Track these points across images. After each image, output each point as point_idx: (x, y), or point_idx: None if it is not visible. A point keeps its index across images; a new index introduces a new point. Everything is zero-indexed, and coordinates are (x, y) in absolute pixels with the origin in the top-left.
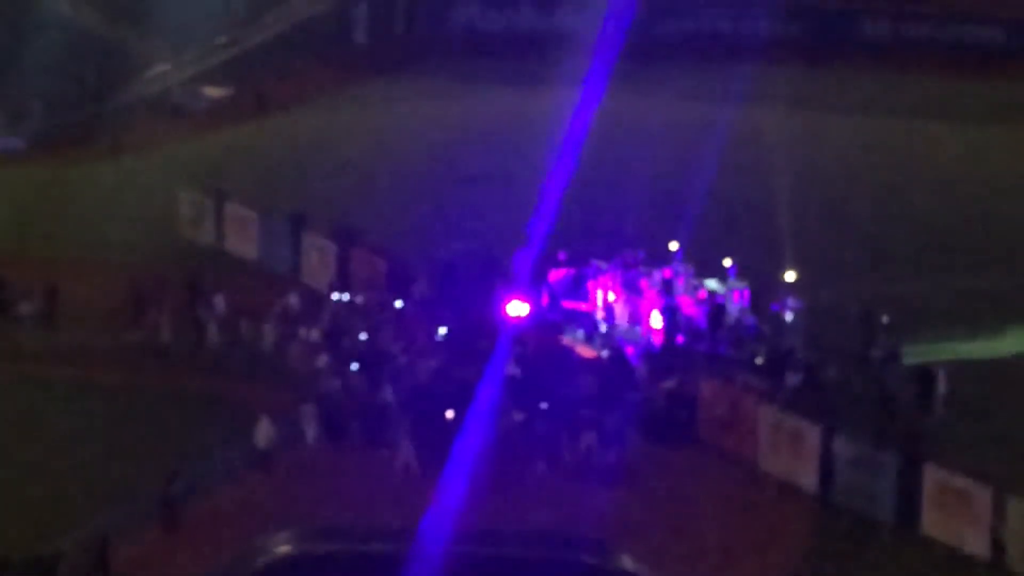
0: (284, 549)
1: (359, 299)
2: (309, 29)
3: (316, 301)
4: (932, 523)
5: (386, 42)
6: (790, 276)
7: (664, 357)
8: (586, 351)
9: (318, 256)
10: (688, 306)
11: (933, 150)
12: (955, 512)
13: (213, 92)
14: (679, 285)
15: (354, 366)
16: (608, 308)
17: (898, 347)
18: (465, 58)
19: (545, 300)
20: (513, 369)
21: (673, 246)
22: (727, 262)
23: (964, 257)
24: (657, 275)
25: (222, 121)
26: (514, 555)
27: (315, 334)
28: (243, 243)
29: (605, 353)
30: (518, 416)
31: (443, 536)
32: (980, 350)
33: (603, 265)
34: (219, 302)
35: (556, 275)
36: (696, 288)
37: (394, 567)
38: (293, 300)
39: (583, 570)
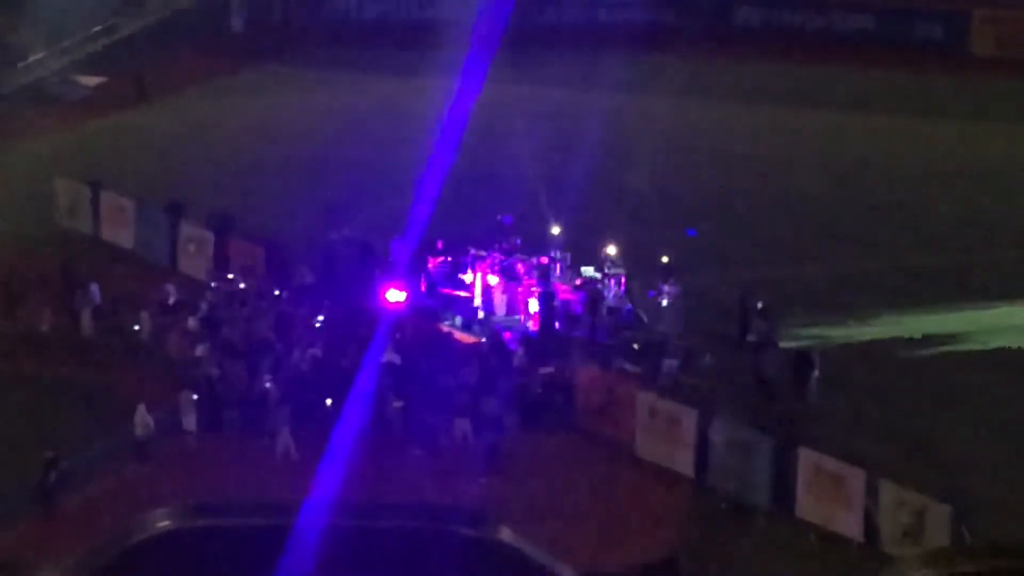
0: (163, 525)
1: (237, 287)
2: (186, 17)
3: (194, 290)
4: (807, 506)
5: (264, 30)
6: (665, 261)
7: (541, 343)
8: (464, 338)
9: (195, 245)
10: (565, 293)
11: (811, 136)
12: (829, 495)
13: (89, 81)
14: (556, 272)
15: (232, 354)
16: (486, 295)
17: (774, 332)
18: (343, 47)
19: (423, 287)
20: (391, 356)
21: (554, 231)
22: (606, 249)
23: (841, 242)
24: (534, 262)
25: (99, 110)
26: (393, 527)
27: (193, 323)
28: (120, 232)
29: (483, 340)
30: (396, 403)
31: (322, 509)
32: (854, 334)
33: (481, 252)
34: (95, 291)
35: (434, 262)
36: (573, 275)
37: (273, 540)
38: (170, 289)
39: (461, 542)
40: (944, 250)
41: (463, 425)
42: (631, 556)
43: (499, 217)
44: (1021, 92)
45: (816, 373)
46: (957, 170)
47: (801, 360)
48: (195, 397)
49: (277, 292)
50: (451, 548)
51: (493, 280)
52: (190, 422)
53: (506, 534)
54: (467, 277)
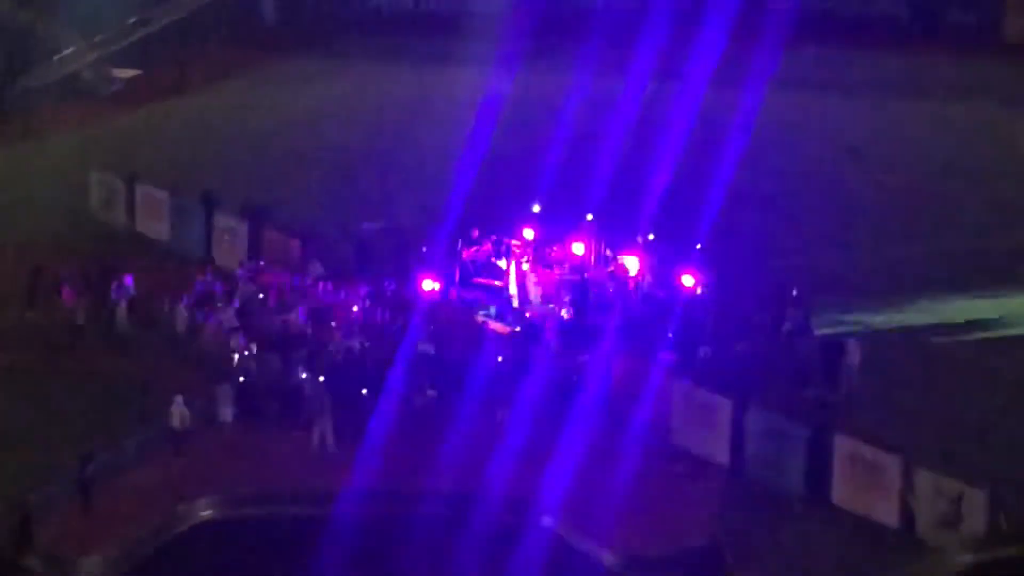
0: (205, 514)
1: (271, 278)
2: (218, 10)
3: (229, 281)
4: (843, 494)
5: (296, 21)
6: (701, 248)
7: (576, 332)
8: (499, 327)
9: (230, 236)
10: (600, 281)
11: (847, 123)
12: (865, 482)
13: (123, 74)
14: (591, 260)
15: (267, 346)
16: (520, 284)
17: (808, 319)
18: (374, 37)
19: (457, 277)
20: (426, 346)
21: (587, 220)
22: (640, 237)
23: (876, 229)
24: (569, 251)
25: (133, 103)
26: (432, 515)
27: (227, 314)
28: (154, 224)
29: (517, 329)
30: (432, 393)
31: (360, 498)
32: (891, 321)
33: (515, 242)
34: (129, 284)
35: (468, 252)
36: (608, 263)
37: (315, 529)
38: (206, 280)
39: (500, 529)
40: (979, 236)
41: (501, 414)
42: (669, 543)
43: (533, 206)
44: None
45: (852, 361)
46: (993, 156)
47: (836, 348)
48: (231, 389)
49: (312, 282)
50: (493, 535)
51: (527, 269)
52: (227, 414)
53: (548, 521)
54: (501, 264)
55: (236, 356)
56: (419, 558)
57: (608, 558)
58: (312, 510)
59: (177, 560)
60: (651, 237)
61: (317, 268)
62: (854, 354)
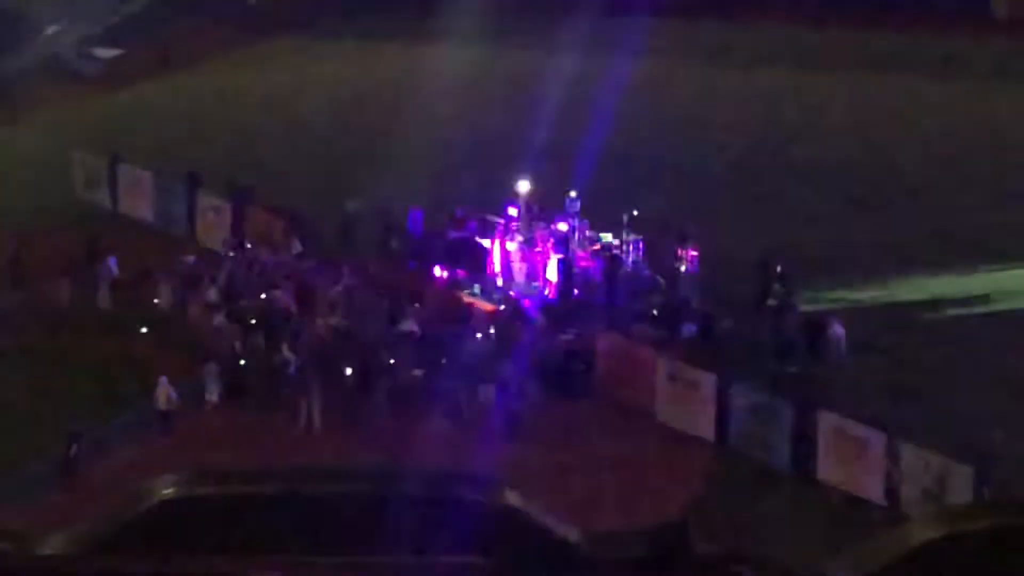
0: (168, 492)
1: (256, 258)
2: None
3: (213, 261)
4: (828, 469)
5: (279, 1)
6: (683, 226)
7: (561, 310)
8: (483, 306)
9: (214, 216)
10: (584, 259)
11: (829, 100)
12: (850, 458)
13: (106, 53)
14: (575, 238)
15: (251, 325)
16: (505, 263)
17: (793, 296)
18: (359, 16)
19: (442, 256)
20: (411, 325)
21: (571, 197)
22: (624, 216)
23: (860, 205)
24: (553, 229)
25: (116, 83)
26: (396, 493)
27: (212, 294)
28: (138, 204)
29: (502, 307)
30: (416, 372)
31: (331, 476)
32: (876, 297)
33: (499, 220)
34: (113, 264)
35: (453, 231)
36: (592, 241)
37: (283, 507)
38: (190, 260)
39: (466, 506)
40: (965, 212)
41: (486, 392)
42: (651, 520)
43: (516, 185)
44: None
45: (836, 337)
46: (977, 132)
47: (820, 324)
48: (217, 369)
49: (296, 261)
50: (455, 512)
51: (512, 247)
52: (213, 394)
53: (512, 498)
54: (486, 244)
55: (221, 336)
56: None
57: (572, 534)
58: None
59: (144, 536)
60: (635, 213)
61: (296, 246)
62: (839, 330)
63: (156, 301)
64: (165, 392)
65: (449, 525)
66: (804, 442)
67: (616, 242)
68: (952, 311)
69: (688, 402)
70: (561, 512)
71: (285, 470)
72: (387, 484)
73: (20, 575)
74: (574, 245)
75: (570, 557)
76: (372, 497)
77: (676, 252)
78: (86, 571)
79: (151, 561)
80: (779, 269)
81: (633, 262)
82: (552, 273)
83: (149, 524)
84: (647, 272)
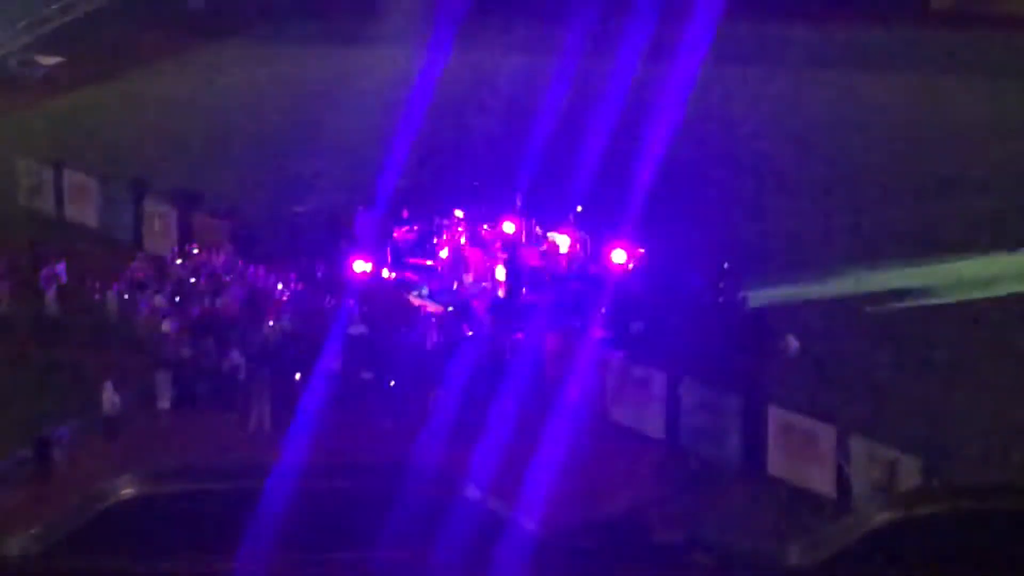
0: (127, 491)
1: (202, 263)
2: None
3: (159, 267)
4: (778, 464)
5: (220, 6)
6: (632, 225)
7: (509, 310)
8: (432, 307)
9: (160, 222)
10: (532, 258)
11: (771, 94)
12: (800, 452)
13: (48, 60)
14: (522, 238)
15: (200, 330)
16: (453, 263)
17: (739, 291)
18: (303, 19)
19: (389, 258)
20: (359, 327)
21: (517, 198)
22: (571, 214)
23: (804, 199)
24: (500, 229)
25: (58, 89)
26: (358, 487)
27: (159, 299)
28: (83, 211)
29: (451, 308)
30: (366, 374)
31: (284, 472)
32: (824, 291)
33: (446, 221)
34: (61, 270)
35: (400, 232)
36: (539, 240)
37: (243, 503)
38: (136, 266)
39: (427, 500)
40: (909, 204)
41: (433, 394)
42: (598, 514)
43: (472, 183)
44: (979, 46)
45: (794, 350)
46: (920, 124)
47: (768, 319)
48: (168, 376)
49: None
50: (417, 506)
51: (459, 248)
52: (165, 400)
53: (471, 492)
54: (434, 245)
55: (169, 341)
56: (346, 531)
57: (532, 525)
58: (237, 484)
59: (102, 535)
60: (579, 209)
61: (228, 249)
62: (794, 344)
63: (103, 306)
64: (110, 397)
65: (411, 518)
66: (754, 437)
67: (564, 241)
68: (901, 304)
69: (638, 399)
70: (518, 505)
71: (238, 467)
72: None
73: None
74: (522, 244)
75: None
76: (330, 491)
77: (625, 250)
78: (49, 570)
79: (113, 559)
80: (726, 265)
81: (580, 261)
82: (500, 273)
83: (110, 522)
84: (594, 271)
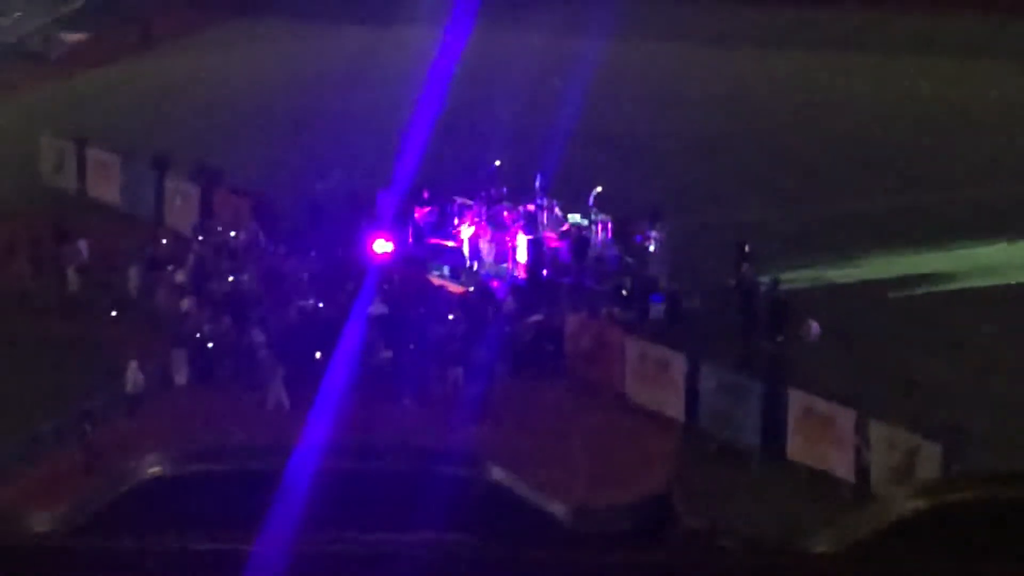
0: (154, 471)
1: (224, 241)
2: None
3: (181, 244)
4: (797, 448)
5: None
6: (653, 206)
7: (530, 291)
8: (453, 287)
9: (182, 199)
10: (552, 240)
11: (794, 80)
12: (819, 436)
13: (71, 37)
14: (543, 219)
15: (220, 308)
16: (473, 244)
17: (761, 275)
18: None
19: (410, 238)
20: (379, 307)
21: (537, 180)
22: (591, 195)
23: (829, 183)
24: (521, 210)
25: (82, 66)
26: (384, 469)
27: (180, 277)
28: (105, 188)
29: (471, 289)
30: (386, 354)
31: (313, 453)
32: (845, 275)
33: (468, 202)
34: (83, 247)
35: (421, 212)
36: (560, 222)
37: (268, 484)
38: (157, 243)
39: (453, 482)
40: (932, 189)
41: (454, 374)
42: (623, 498)
43: (495, 164)
44: (1007, 30)
45: (816, 334)
46: (946, 110)
47: (788, 303)
48: (186, 352)
49: (264, 244)
50: (442, 488)
51: (479, 230)
52: (182, 377)
53: (497, 473)
54: (455, 225)
55: (189, 319)
56: (369, 511)
57: (558, 509)
58: (260, 465)
59: (127, 515)
60: (599, 190)
61: (250, 227)
62: (815, 329)
63: (124, 284)
64: (134, 376)
65: (436, 500)
66: (774, 421)
67: (585, 222)
68: (923, 288)
69: (658, 382)
70: (545, 488)
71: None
72: (371, 460)
73: (7, 554)
74: (543, 226)
75: (556, 532)
76: (356, 472)
77: (644, 232)
78: (74, 548)
79: (138, 538)
80: (747, 248)
81: (601, 242)
82: (521, 254)
83: (135, 502)
84: (615, 252)
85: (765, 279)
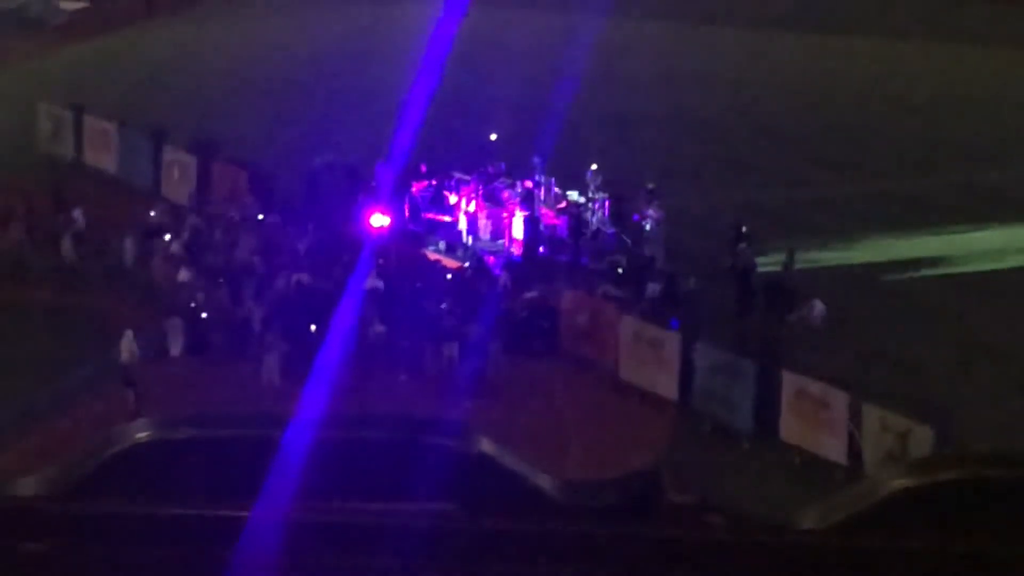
0: (141, 436)
1: (220, 212)
2: None
3: (177, 215)
4: (790, 429)
5: None
6: (650, 186)
7: (526, 268)
8: (448, 262)
9: (179, 169)
10: (549, 217)
11: (792, 61)
12: (812, 418)
13: (69, 5)
14: (540, 196)
15: (215, 279)
16: (470, 220)
17: (757, 256)
18: None
19: (407, 212)
20: (375, 281)
21: (534, 157)
22: (588, 173)
23: (824, 166)
24: (519, 186)
25: (80, 34)
26: (375, 439)
27: (176, 247)
28: (102, 157)
29: (467, 264)
30: (380, 328)
31: (303, 421)
32: (839, 258)
33: (465, 177)
34: (78, 216)
35: (418, 187)
36: (557, 199)
37: (258, 451)
38: (154, 213)
39: (443, 453)
40: (927, 173)
41: (449, 349)
42: (612, 473)
43: (490, 137)
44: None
45: (820, 314)
46: (940, 93)
47: (783, 284)
48: (181, 323)
49: (261, 216)
50: (432, 459)
51: (476, 206)
52: (176, 348)
53: (487, 446)
54: (451, 200)
55: (184, 290)
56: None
57: (546, 482)
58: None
59: (115, 479)
60: (594, 167)
61: (246, 199)
62: (819, 307)
63: (119, 253)
64: (129, 346)
65: (425, 471)
66: (767, 402)
67: (582, 200)
68: (918, 272)
69: (651, 361)
70: (535, 462)
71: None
72: (362, 430)
73: None
74: (540, 202)
75: (544, 505)
76: (347, 441)
77: (642, 211)
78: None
79: (123, 502)
80: (743, 229)
81: (598, 220)
82: (517, 231)
83: (120, 467)
84: (612, 230)
85: (778, 260)
